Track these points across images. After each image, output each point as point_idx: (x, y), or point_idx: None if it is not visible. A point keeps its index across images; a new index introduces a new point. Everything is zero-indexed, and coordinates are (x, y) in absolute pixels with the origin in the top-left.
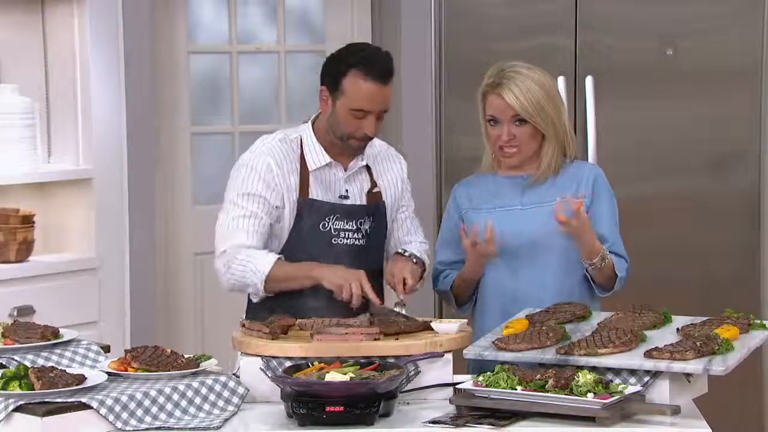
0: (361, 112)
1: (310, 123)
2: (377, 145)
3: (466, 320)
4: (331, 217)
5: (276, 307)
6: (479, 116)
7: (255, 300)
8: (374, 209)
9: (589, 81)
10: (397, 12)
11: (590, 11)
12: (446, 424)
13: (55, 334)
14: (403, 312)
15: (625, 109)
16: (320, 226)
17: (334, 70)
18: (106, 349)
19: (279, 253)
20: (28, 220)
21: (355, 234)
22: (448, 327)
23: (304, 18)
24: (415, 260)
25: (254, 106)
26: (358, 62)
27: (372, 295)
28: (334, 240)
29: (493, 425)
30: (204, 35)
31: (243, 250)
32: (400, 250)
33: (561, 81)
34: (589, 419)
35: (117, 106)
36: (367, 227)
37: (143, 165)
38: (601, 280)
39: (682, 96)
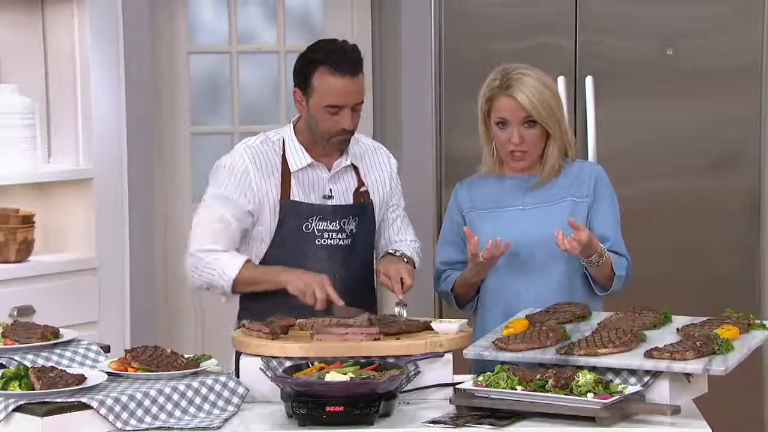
0: (335, 108)
1: (291, 124)
2: (365, 143)
3: (466, 320)
4: (314, 218)
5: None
6: (478, 119)
7: (223, 300)
8: (360, 209)
9: (589, 81)
10: (397, 12)
11: (590, 11)
12: (446, 424)
13: (55, 334)
14: (404, 313)
15: (625, 109)
16: (303, 227)
17: (303, 70)
18: (106, 349)
19: (264, 256)
20: (28, 220)
21: (339, 234)
22: (448, 327)
23: (304, 18)
24: (405, 260)
25: (254, 106)
26: (325, 58)
27: (335, 297)
28: (318, 241)
29: (493, 425)
30: (204, 35)
31: (209, 254)
32: (390, 251)
33: (561, 81)
34: (589, 419)
35: (117, 106)
36: (352, 227)
37: (143, 165)
38: (599, 278)
39: (682, 96)
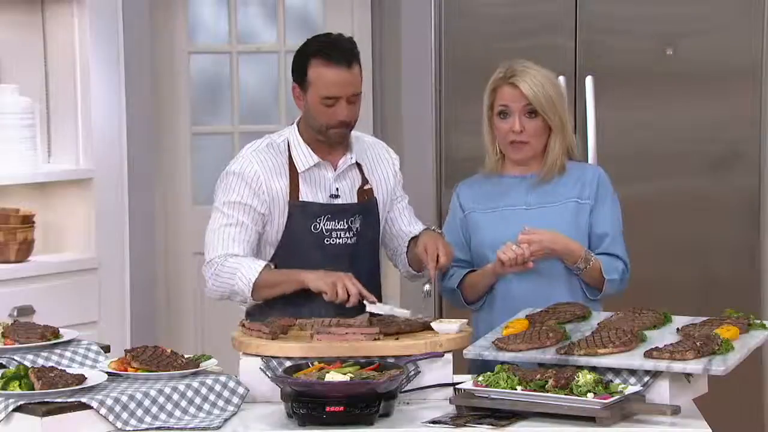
0: (331, 99)
1: (295, 125)
2: (365, 140)
3: (466, 320)
4: (322, 217)
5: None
6: (483, 116)
7: (243, 308)
8: (364, 207)
9: (589, 81)
10: (397, 12)
11: (590, 11)
12: (446, 424)
13: (55, 334)
14: (427, 287)
15: (625, 109)
16: (312, 227)
17: (299, 65)
18: (106, 349)
19: (272, 257)
20: (28, 220)
21: (346, 233)
22: (448, 327)
23: (304, 18)
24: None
25: (254, 106)
26: (319, 51)
27: (366, 292)
28: (327, 240)
29: (493, 425)
30: (204, 35)
31: (230, 258)
32: (431, 228)
33: (561, 81)
34: (589, 419)
35: (117, 106)
36: (357, 226)
37: (143, 165)
38: (589, 283)
39: (682, 96)
